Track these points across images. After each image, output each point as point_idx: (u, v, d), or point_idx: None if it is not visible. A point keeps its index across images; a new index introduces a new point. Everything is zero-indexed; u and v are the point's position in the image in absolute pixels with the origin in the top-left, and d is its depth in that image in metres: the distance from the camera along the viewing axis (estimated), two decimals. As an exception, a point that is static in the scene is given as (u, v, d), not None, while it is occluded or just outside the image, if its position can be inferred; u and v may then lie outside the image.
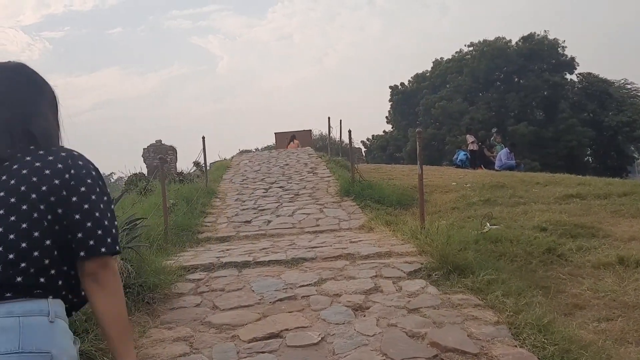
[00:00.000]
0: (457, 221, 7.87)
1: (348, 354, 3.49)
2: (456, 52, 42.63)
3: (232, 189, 12.54)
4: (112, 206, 1.61)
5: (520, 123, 35.65)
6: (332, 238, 7.39)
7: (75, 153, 1.59)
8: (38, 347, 1.33)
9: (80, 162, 1.55)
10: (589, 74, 39.57)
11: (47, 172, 1.48)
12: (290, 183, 12.65)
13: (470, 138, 18.18)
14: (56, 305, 1.43)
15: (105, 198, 1.56)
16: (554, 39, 38.79)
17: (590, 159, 40.02)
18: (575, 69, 39.14)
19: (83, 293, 1.52)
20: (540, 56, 38.14)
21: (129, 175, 16.04)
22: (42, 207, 1.45)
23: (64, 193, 1.48)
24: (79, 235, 1.46)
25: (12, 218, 1.42)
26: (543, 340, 3.56)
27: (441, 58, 43.57)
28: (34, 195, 1.45)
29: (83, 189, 1.50)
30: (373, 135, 46.46)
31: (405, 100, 43.30)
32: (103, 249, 1.47)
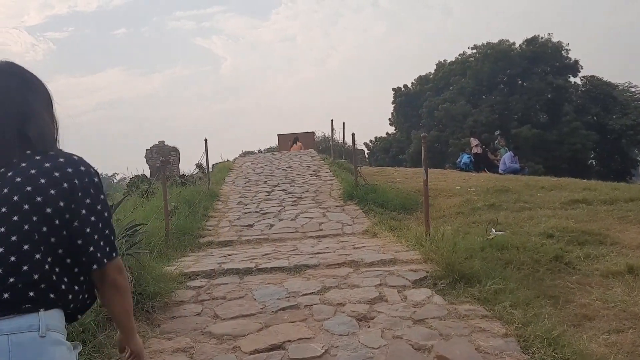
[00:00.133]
0: (462, 227, 7.77)
1: (352, 367, 3.39)
2: (460, 55, 42.54)
3: (235, 191, 12.46)
4: (109, 209, 1.60)
5: (524, 126, 35.51)
6: (335, 243, 7.29)
7: (75, 158, 1.53)
8: None
9: (82, 168, 1.50)
10: (593, 76, 39.46)
11: (43, 181, 1.42)
12: (293, 186, 12.55)
13: (474, 141, 18.07)
14: (48, 318, 1.37)
15: (106, 205, 1.55)
16: (558, 41, 38.68)
17: (594, 162, 39.87)
18: (579, 71, 39.03)
19: (82, 297, 1.51)
20: (544, 59, 38.01)
21: (131, 177, 15.98)
22: (35, 218, 1.39)
23: (61, 204, 1.42)
24: (91, 248, 1.47)
25: (2, 229, 1.36)
26: (553, 354, 3.46)
27: (444, 60, 43.50)
28: (26, 206, 1.39)
29: (88, 200, 1.47)
30: (376, 137, 46.40)
31: (408, 103, 43.20)
32: (105, 260, 1.50)
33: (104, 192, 1.56)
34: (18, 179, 1.41)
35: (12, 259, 1.34)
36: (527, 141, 33.73)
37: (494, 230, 7.14)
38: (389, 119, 46.38)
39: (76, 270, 1.49)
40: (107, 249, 1.52)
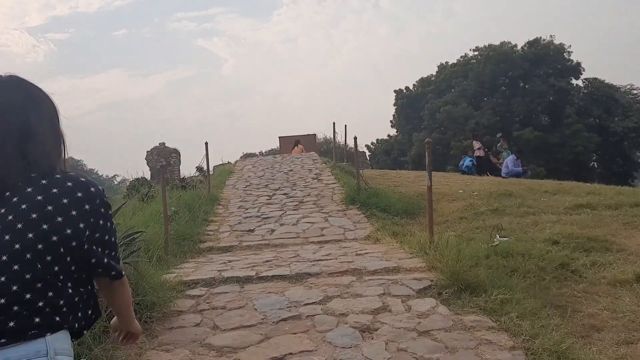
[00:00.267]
0: (466, 232, 7.67)
1: (356, 383, 3.29)
2: (461, 57, 42.48)
3: (235, 195, 12.36)
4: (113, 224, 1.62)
5: (526, 128, 35.43)
6: (337, 249, 7.19)
7: (83, 180, 1.51)
8: None
9: (92, 189, 1.50)
10: (595, 79, 39.38)
11: (50, 208, 1.40)
12: (295, 190, 12.46)
13: (476, 144, 17.96)
14: (55, 341, 1.37)
15: (112, 227, 1.57)
16: (560, 43, 38.65)
17: (595, 165, 39.77)
18: (581, 74, 38.99)
19: (87, 315, 1.51)
20: (546, 61, 37.93)
21: (131, 180, 15.89)
22: (40, 246, 1.37)
23: (68, 231, 1.41)
24: (99, 270, 1.53)
25: (4, 258, 1.34)
26: (563, 369, 3.36)
27: (446, 62, 43.45)
28: (30, 235, 1.36)
29: (101, 221, 1.50)
30: (377, 140, 46.30)
31: (410, 105, 43.13)
32: (113, 272, 1.57)
33: (109, 210, 1.56)
34: (23, 206, 1.39)
35: (15, 288, 1.32)
36: (529, 144, 33.63)
37: (498, 237, 7.04)
38: (391, 121, 46.34)
39: (82, 290, 1.49)
40: (113, 261, 1.57)
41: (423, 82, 43.87)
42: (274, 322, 4.37)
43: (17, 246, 1.35)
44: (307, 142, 24.91)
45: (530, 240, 6.91)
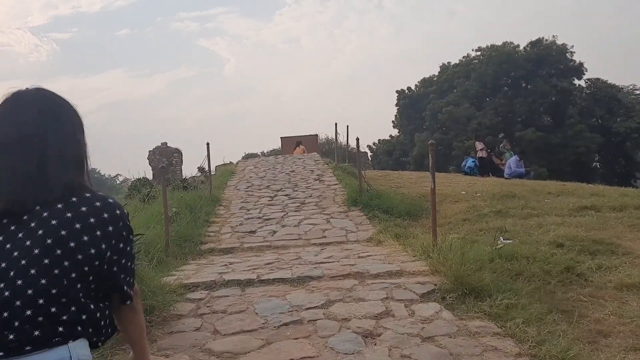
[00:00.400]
0: (469, 234, 7.60)
1: (359, 391, 3.22)
2: (463, 57, 42.42)
3: (237, 196, 12.30)
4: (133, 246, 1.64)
5: (528, 129, 35.36)
6: (339, 252, 7.12)
7: (110, 201, 1.54)
8: None
9: (117, 212, 1.53)
10: (598, 79, 39.30)
11: (78, 226, 1.44)
12: (297, 191, 12.39)
13: (479, 145, 17.88)
14: (77, 347, 1.41)
15: (131, 252, 1.60)
16: (562, 44, 38.56)
17: (598, 165, 39.69)
18: (584, 74, 38.90)
19: (105, 330, 1.55)
20: (549, 61, 37.85)
21: (133, 180, 15.84)
22: (66, 263, 1.41)
23: (92, 251, 1.45)
24: (120, 288, 1.56)
25: (33, 271, 1.38)
26: (570, 377, 3.28)
27: (448, 62, 43.39)
28: (59, 251, 1.41)
29: (121, 245, 1.53)
30: (379, 140, 46.28)
31: (412, 105, 43.07)
32: (131, 291, 1.60)
33: (129, 231, 1.58)
34: (53, 222, 1.42)
35: (41, 301, 1.36)
36: (531, 144, 33.57)
37: (502, 239, 6.96)
38: (393, 122, 46.30)
39: (101, 305, 1.52)
40: (131, 281, 1.60)
41: (425, 82, 43.81)
42: (275, 327, 4.30)
43: (45, 261, 1.39)
44: (308, 142, 24.85)
45: (534, 243, 6.84)
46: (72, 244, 1.41)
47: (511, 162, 16.54)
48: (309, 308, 4.67)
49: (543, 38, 38.93)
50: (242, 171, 16.28)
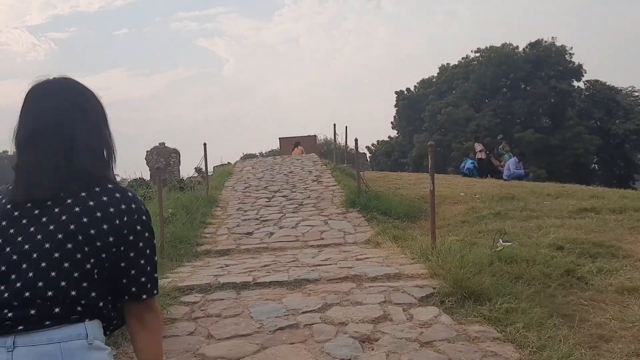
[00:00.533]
0: (468, 237, 7.52)
1: (355, 398, 3.14)
2: (463, 58, 42.40)
3: (234, 197, 12.20)
4: (155, 250, 1.62)
5: (527, 130, 35.34)
6: (337, 253, 7.04)
7: (130, 194, 1.58)
8: None
9: (133, 206, 1.55)
10: (597, 81, 39.27)
11: (99, 214, 1.49)
12: (294, 192, 12.31)
13: (478, 146, 17.82)
14: (94, 327, 1.46)
15: (152, 243, 1.59)
16: (562, 45, 38.57)
17: (596, 167, 39.66)
18: (583, 76, 38.90)
19: (115, 321, 1.55)
20: (548, 63, 37.84)
21: (130, 180, 15.76)
22: (86, 249, 1.46)
23: (110, 239, 1.49)
24: (124, 281, 1.52)
25: (56, 255, 1.44)
26: (572, 384, 3.20)
27: (447, 64, 43.35)
28: (80, 237, 1.46)
29: (131, 237, 1.52)
30: (378, 141, 46.24)
31: (410, 106, 43.03)
32: (144, 296, 1.53)
33: (150, 227, 1.58)
34: (77, 209, 1.48)
35: (63, 284, 1.42)
36: (530, 146, 33.52)
37: (501, 241, 6.88)
38: (392, 123, 46.26)
39: (114, 295, 1.55)
40: (149, 285, 1.55)
41: (424, 83, 43.78)
42: (270, 331, 4.22)
43: (69, 246, 1.44)
44: (307, 143, 24.77)
45: (534, 246, 6.76)
46: (92, 232, 1.46)
47: (510, 163, 16.47)
48: (306, 312, 4.59)
49: (542, 39, 38.97)
50: (240, 172, 16.19)
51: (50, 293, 1.40)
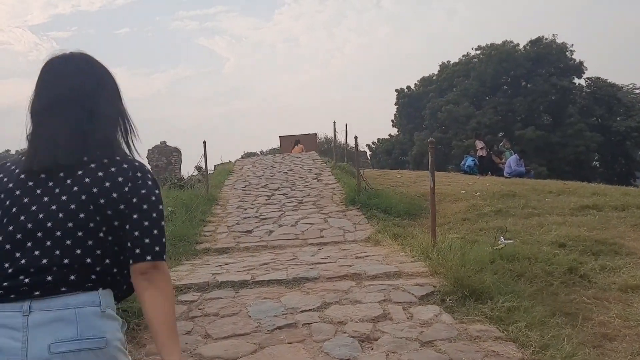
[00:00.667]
0: (469, 234, 7.45)
1: (354, 399, 3.07)
2: (463, 56, 42.28)
3: (234, 195, 12.14)
4: (163, 216, 1.62)
5: (528, 128, 35.23)
6: (336, 252, 6.97)
7: (137, 164, 1.62)
8: (94, 334, 1.43)
9: (139, 174, 1.58)
10: (598, 78, 39.14)
11: (108, 184, 1.53)
12: (294, 190, 12.23)
13: (479, 144, 17.73)
14: (106, 296, 1.50)
15: (159, 207, 1.59)
16: (562, 42, 38.42)
17: (597, 164, 39.55)
18: (584, 73, 38.76)
19: (125, 287, 1.59)
20: (548, 60, 37.71)
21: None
22: (98, 218, 1.51)
23: (121, 207, 1.53)
24: (129, 244, 1.52)
25: (70, 224, 1.48)
26: (576, 384, 3.13)
27: (448, 61, 43.23)
28: (91, 207, 1.50)
29: (135, 199, 1.54)
30: (378, 139, 46.11)
31: (411, 104, 42.91)
32: (149, 257, 1.51)
33: (158, 193, 1.61)
34: (87, 179, 1.52)
35: (78, 251, 1.48)
36: (531, 143, 33.42)
37: (502, 239, 6.81)
38: (392, 121, 46.13)
39: (122, 258, 1.56)
40: (156, 248, 1.53)
41: (424, 81, 43.64)
42: (268, 331, 4.15)
43: (81, 215, 1.49)
44: (307, 141, 24.71)
45: (536, 243, 6.69)
46: (102, 201, 1.51)
47: (511, 161, 16.39)
48: (304, 311, 4.52)
49: (543, 37, 38.81)
50: (240, 170, 16.12)
51: (66, 260, 1.46)
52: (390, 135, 46.20)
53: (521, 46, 39.06)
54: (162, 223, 1.58)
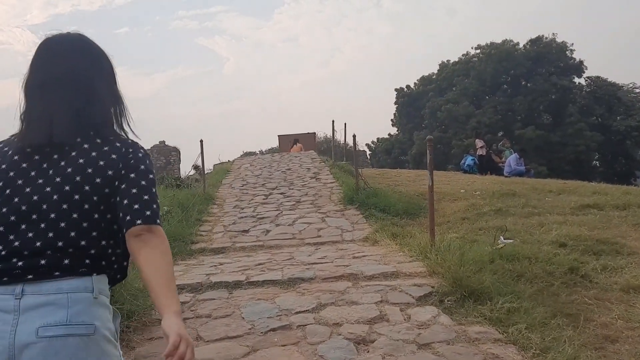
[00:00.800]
0: (468, 234, 7.34)
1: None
2: (463, 55, 42.17)
3: (231, 194, 12.03)
4: (155, 185, 1.61)
5: (528, 127, 35.14)
6: (333, 252, 6.87)
7: (130, 141, 1.63)
8: (84, 320, 1.41)
9: (130, 149, 1.59)
10: (598, 77, 39.06)
11: (102, 163, 1.53)
12: (292, 189, 12.13)
13: (479, 143, 17.63)
14: (100, 282, 1.49)
15: (148, 176, 1.58)
16: (562, 41, 38.32)
17: (597, 164, 39.46)
18: (584, 72, 38.67)
19: (121, 267, 1.59)
20: (548, 59, 37.62)
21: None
22: (95, 198, 1.50)
23: (116, 183, 1.53)
24: (120, 214, 1.51)
25: (64, 206, 1.48)
26: (578, 388, 3.02)
27: (448, 60, 43.12)
28: (87, 187, 1.50)
29: (124, 171, 1.54)
30: (378, 139, 46.00)
31: (410, 103, 42.80)
32: (139, 221, 1.48)
33: (148, 163, 1.60)
34: (81, 160, 1.52)
35: (72, 234, 1.47)
36: (531, 142, 33.34)
37: (502, 239, 6.70)
38: (391, 120, 46.02)
39: (122, 245, 1.56)
40: (147, 212, 1.50)
41: (424, 80, 43.53)
42: (262, 333, 4.04)
43: (76, 197, 1.49)
44: (306, 140, 24.60)
45: (536, 243, 6.58)
46: (98, 180, 1.51)
47: (511, 160, 16.30)
48: (299, 312, 4.41)
49: (543, 36, 38.72)
50: (238, 169, 16.02)
51: (60, 243, 1.45)
52: (389, 134, 46.11)
53: (521, 45, 38.99)
54: (154, 190, 1.57)
